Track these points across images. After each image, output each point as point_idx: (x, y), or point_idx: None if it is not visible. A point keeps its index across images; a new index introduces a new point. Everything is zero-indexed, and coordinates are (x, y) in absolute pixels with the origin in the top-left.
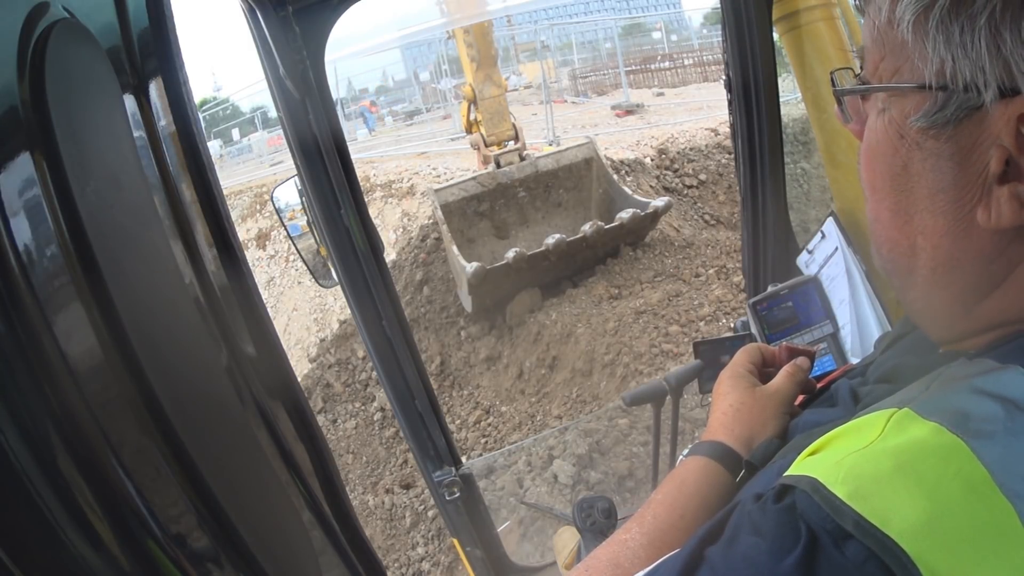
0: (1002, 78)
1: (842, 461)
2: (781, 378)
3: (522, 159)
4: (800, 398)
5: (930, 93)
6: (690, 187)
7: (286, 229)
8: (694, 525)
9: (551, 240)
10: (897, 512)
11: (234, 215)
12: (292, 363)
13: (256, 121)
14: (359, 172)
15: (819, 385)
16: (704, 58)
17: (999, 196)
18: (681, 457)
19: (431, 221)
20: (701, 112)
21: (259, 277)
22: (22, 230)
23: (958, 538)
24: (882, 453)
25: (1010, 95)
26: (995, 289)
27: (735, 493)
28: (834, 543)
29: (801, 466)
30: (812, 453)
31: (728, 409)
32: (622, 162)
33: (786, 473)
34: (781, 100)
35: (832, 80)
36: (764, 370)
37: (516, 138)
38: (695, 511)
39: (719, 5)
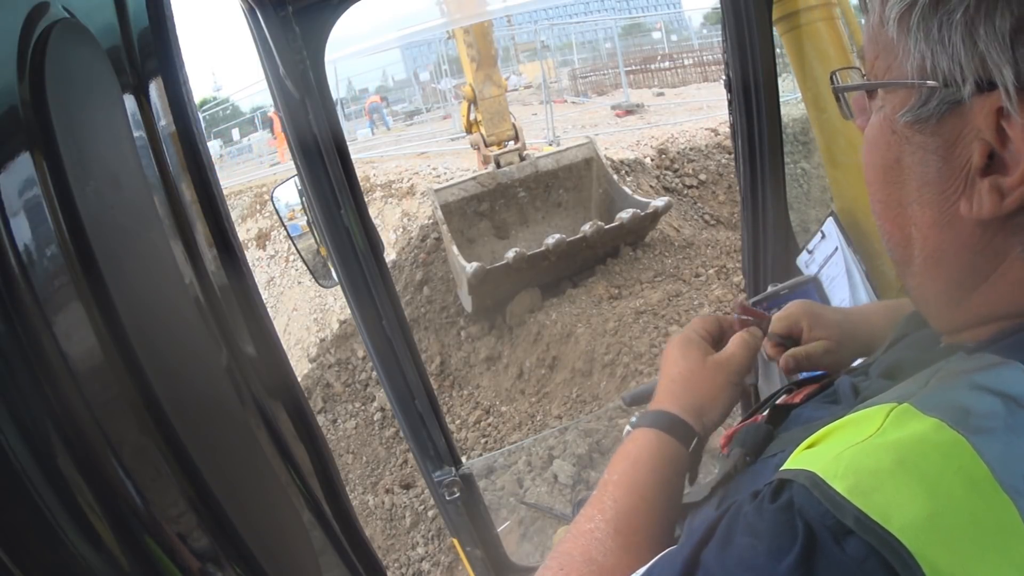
0: (978, 72)
1: (841, 454)
2: (734, 345)
3: (522, 159)
4: (801, 394)
5: (915, 88)
6: (690, 187)
7: (286, 229)
8: (656, 505)
9: (551, 240)
10: (898, 508)
11: (234, 215)
12: (292, 363)
13: (256, 121)
14: (359, 172)
15: (820, 384)
16: (704, 58)
17: (981, 188)
18: (628, 428)
19: (431, 221)
20: (701, 112)
21: (259, 277)
22: (22, 230)
23: (959, 534)
24: (882, 447)
25: (987, 89)
26: (984, 282)
27: (688, 464)
28: (834, 539)
29: (798, 460)
30: (810, 446)
31: (677, 377)
32: (622, 162)
33: (783, 467)
34: (781, 100)
35: (832, 79)
36: (719, 341)
37: (516, 138)
38: (654, 490)
39: (719, 5)
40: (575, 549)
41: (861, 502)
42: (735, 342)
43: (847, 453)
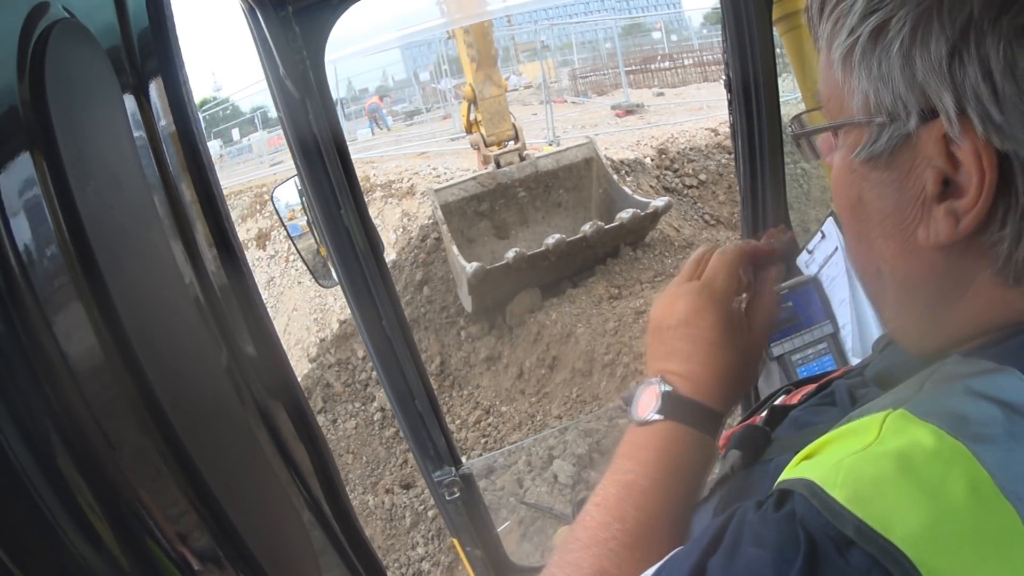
0: (921, 103)
1: (840, 463)
2: (765, 316)
3: (522, 159)
4: (798, 395)
5: (865, 127)
6: (690, 187)
7: (286, 229)
8: (684, 514)
9: (551, 240)
10: (899, 517)
11: (234, 215)
12: (292, 363)
13: (256, 121)
14: (359, 172)
15: (818, 384)
16: (704, 58)
17: (936, 214)
18: (656, 416)
19: (431, 221)
20: (701, 112)
21: (259, 277)
22: (22, 230)
23: (961, 542)
24: (882, 456)
25: (932, 118)
26: (958, 302)
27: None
28: (837, 550)
29: (798, 469)
30: (808, 456)
31: (728, 371)
32: (622, 162)
33: (782, 477)
34: (781, 100)
35: (792, 125)
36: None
37: (516, 138)
38: (686, 500)
39: (719, 5)
40: (585, 560)
41: (861, 511)
42: (764, 311)
43: (846, 462)
